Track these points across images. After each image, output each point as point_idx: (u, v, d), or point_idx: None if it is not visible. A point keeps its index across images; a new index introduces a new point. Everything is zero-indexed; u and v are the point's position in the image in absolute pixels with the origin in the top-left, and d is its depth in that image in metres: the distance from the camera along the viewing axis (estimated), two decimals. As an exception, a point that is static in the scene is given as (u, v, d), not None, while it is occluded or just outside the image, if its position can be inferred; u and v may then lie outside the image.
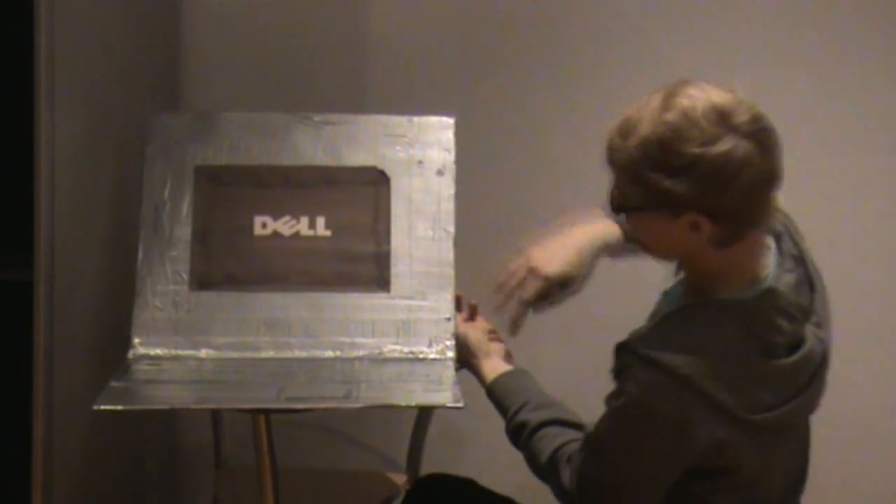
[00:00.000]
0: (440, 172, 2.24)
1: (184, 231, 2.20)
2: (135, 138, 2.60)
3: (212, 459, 2.90)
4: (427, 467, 2.82)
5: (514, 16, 2.97)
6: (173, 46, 2.95)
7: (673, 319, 1.86)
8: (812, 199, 2.88)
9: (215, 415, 2.87)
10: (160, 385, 2.09)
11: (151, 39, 2.82)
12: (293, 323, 2.16)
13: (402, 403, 1.93)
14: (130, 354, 2.14)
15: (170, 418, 3.03)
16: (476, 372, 2.13)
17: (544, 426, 1.96)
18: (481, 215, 2.72)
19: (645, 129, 1.77)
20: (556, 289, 2.04)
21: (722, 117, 1.75)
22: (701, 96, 1.77)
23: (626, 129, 1.80)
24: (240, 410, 2.17)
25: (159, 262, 2.18)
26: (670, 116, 1.76)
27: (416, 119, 2.29)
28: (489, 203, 2.95)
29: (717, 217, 1.77)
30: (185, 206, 2.21)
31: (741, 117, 1.76)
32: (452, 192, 2.24)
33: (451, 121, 2.29)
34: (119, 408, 1.97)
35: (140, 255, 2.19)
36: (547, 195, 2.97)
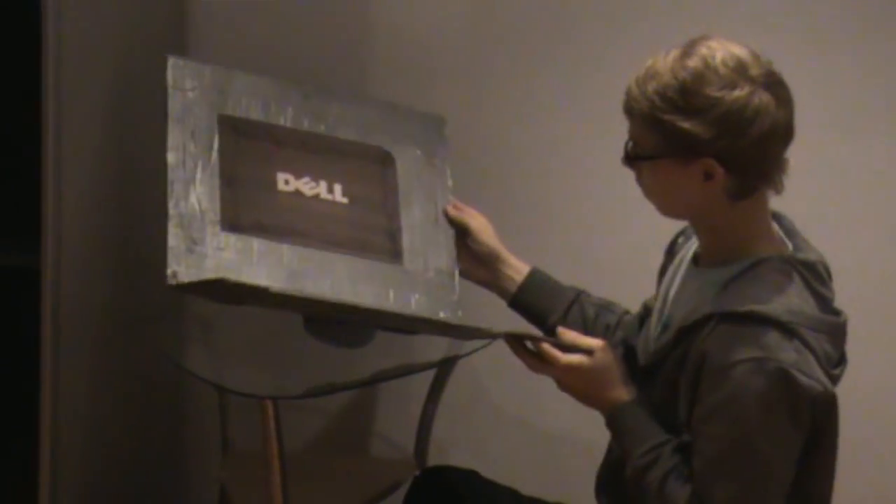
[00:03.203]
0: (438, 166, 2.26)
1: (213, 176, 2.15)
2: (142, 118, 2.61)
3: (218, 444, 2.91)
4: (434, 453, 2.83)
5: (518, 7, 2.96)
6: (179, 28, 2.95)
7: (745, 281, 1.86)
8: (818, 188, 2.87)
9: (222, 399, 2.87)
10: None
11: (158, 20, 2.81)
12: (317, 278, 2.12)
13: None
14: (168, 275, 2.04)
15: (177, 401, 3.03)
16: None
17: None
18: (480, 209, 2.72)
19: (665, 75, 1.83)
20: None
21: (740, 67, 1.81)
22: (719, 48, 1.83)
23: (645, 77, 1.85)
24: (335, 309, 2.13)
25: (190, 199, 2.12)
26: (690, 63, 1.82)
27: (417, 110, 2.31)
28: (489, 198, 2.96)
29: (730, 165, 1.82)
30: (212, 153, 2.17)
31: (758, 69, 1.82)
32: (450, 184, 2.26)
33: (443, 117, 2.32)
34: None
35: (171, 190, 2.11)
36: (551, 191, 2.96)
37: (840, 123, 2.87)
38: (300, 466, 2.61)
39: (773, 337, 1.78)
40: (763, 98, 1.81)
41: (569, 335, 1.99)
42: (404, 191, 2.23)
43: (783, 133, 1.85)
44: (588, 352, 1.96)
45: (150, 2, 2.75)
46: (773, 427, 1.78)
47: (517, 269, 2.20)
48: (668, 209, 1.94)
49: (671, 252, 2.12)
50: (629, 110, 1.88)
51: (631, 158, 1.91)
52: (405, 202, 2.22)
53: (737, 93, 1.80)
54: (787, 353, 1.77)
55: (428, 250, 2.20)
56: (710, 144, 1.80)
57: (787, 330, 1.79)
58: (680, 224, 2.09)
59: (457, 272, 2.21)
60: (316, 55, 2.99)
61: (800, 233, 1.98)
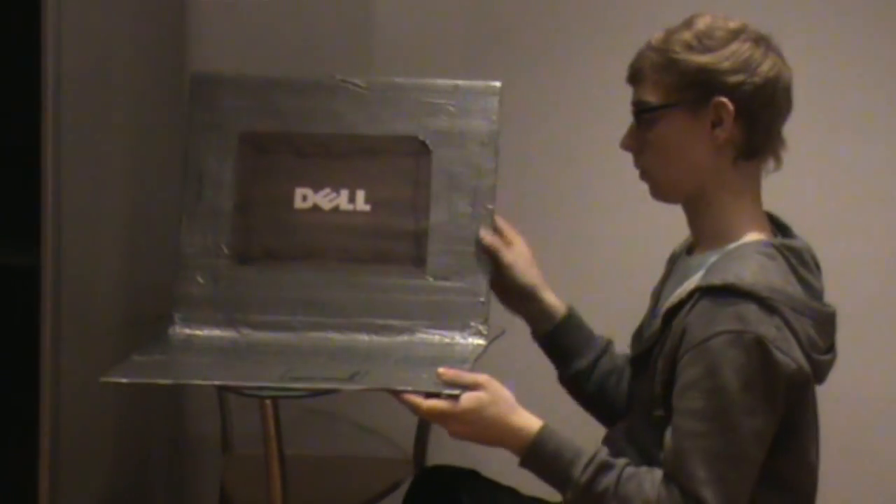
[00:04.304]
0: (483, 143, 2.19)
1: (226, 202, 2.18)
2: (143, 114, 2.61)
3: (219, 445, 2.91)
4: (433, 453, 2.83)
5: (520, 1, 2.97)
6: (179, 13, 2.95)
7: (730, 259, 1.86)
8: (816, 188, 2.88)
9: (223, 400, 2.88)
10: (180, 357, 2.08)
11: (158, 12, 2.81)
12: (329, 303, 2.14)
13: (399, 388, 1.90)
14: (171, 331, 2.14)
15: (177, 403, 3.03)
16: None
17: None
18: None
19: (675, 31, 1.91)
20: None
21: (742, 27, 1.92)
22: (720, 16, 1.93)
23: (652, 40, 1.93)
24: (242, 390, 2.17)
25: (200, 235, 2.17)
26: (698, 21, 1.91)
27: (461, 84, 2.22)
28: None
29: (741, 106, 1.87)
30: (228, 176, 2.19)
31: (757, 34, 1.92)
32: (494, 165, 2.18)
33: (497, 85, 2.21)
34: (124, 381, 1.98)
35: (183, 226, 2.17)
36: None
37: (840, 124, 2.88)
38: (300, 466, 2.61)
39: (752, 310, 1.78)
40: (766, 50, 1.90)
41: (448, 374, 1.88)
42: (439, 183, 2.18)
43: (787, 89, 1.92)
44: (471, 388, 1.86)
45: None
46: (750, 401, 1.78)
47: (553, 307, 2.16)
48: (669, 178, 1.95)
49: (671, 262, 2.12)
50: (637, 70, 1.94)
51: (639, 114, 1.93)
52: (438, 196, 2.18)
53: (744, 37, 1.90)
54: (766, 327, 1.78)
55: (456, 252, 2.16)
56: (725, 78, 1.87)
57: (767, 306, 1.79)
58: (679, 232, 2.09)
59: (486, 278, 2.15)
60: (319, 46, 2.99)
61: (791, 229, 1.99)
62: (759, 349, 1.77)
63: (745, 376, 1.77)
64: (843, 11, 2.87)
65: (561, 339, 2.16)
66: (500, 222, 2.16)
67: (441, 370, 1.89)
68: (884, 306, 2.92)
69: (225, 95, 2.22)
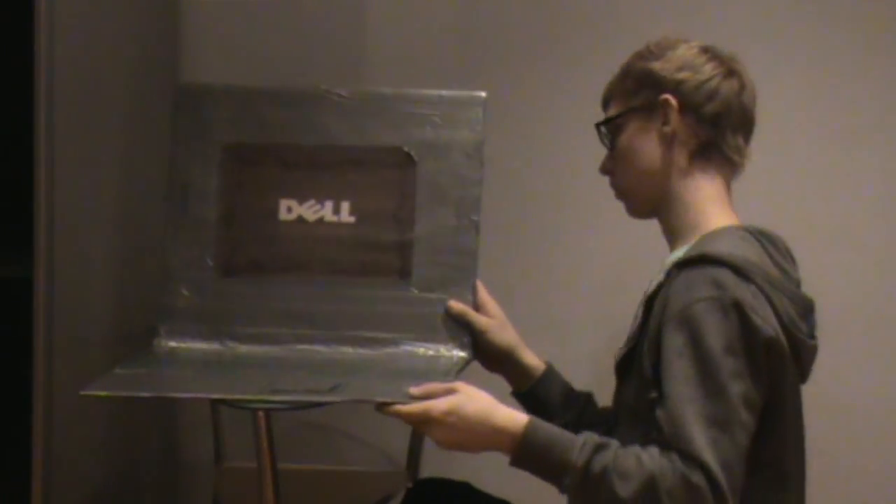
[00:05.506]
0: (468, 154, 2.19)
1: (210, 214, 2.18)
2: (136, 125, 2.60)
3: (212, 457, 2.91)
4: (427, 465, 2.83)
5: (510, 8, 2.97)
6: (172, 25, 2.95)
7: (703, 240, 1.91)
8: (811, 194, 2.88)
9: (216, 412, 2.87)
10: (163, 370, 2.08)
11: (150, 22, 2.82)
12: (314, 315, 2.15)
13: (377, 399, 1.88)
14: (155, 343, 2.14)
15: (170, 415, 3.03)
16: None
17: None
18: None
19: (636, 51, 2.03)
20: None
21: (696, 42, 2.02)
22: (681, 37, 2.04)
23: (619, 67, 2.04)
24: (225, 402, 2.18)
25: (185, 247, 2.17)
26: (656, 39, 2.03)
27: (445, 94, 2.22)
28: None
29: (685, 101, 1.96)
30: (213, 188, 2.19)
31: (712, 48, 2.02)
32: (479, 176, 2.18)
33: (482, 95, 2.22)
34: (102, 393, 1.97)
35: (167, 238, 2.18)
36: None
37: (833, 133, 2.89)
38: (293, 478, 2.61)
39: (728, 276, 1.82)
40: (721, 60, 2.00)
41: (419, 391, 1.85)
42: (424, 194, 2.19)
43: (736, 92, 1.98)
44: (447, 393, 1.85)
45: (142, 2, 2.75)
46: (735, 364, 1.79)
47: (532, 366, 2.15)
48: (633, 186, 2.01)
49: None
50: (607, 91, 2.05)
51: (602, 127, 2.03)
52: (423, 208, 2.18)
53: (698, 47, 2.00)
54: (742, 291, 1.81)
55: (441, 263, 2.16)
56: (670, 76, 1.97)
57: (741, 273, 1.82)
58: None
59: (470, 291, 2.15)
60: (311, 56, 3.00)
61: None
62: (738, 312, 1.80)
63: (727, 340, 1.79)
64: (833, 22, 2.88)
65: (541, 395, 2.16)
66: (480, 286, 2.16)
67: (412, 389, 1.86)
68: (871, 310, 2.93)
69: (209, 107, 2.23)
